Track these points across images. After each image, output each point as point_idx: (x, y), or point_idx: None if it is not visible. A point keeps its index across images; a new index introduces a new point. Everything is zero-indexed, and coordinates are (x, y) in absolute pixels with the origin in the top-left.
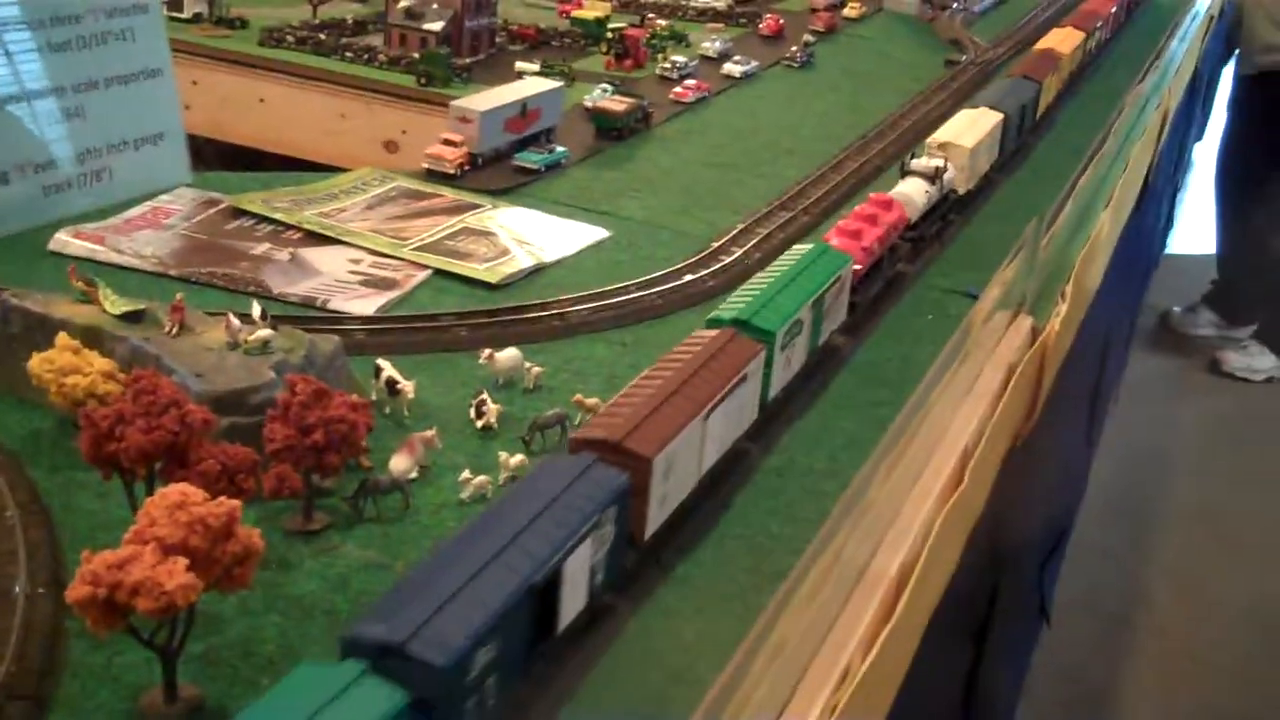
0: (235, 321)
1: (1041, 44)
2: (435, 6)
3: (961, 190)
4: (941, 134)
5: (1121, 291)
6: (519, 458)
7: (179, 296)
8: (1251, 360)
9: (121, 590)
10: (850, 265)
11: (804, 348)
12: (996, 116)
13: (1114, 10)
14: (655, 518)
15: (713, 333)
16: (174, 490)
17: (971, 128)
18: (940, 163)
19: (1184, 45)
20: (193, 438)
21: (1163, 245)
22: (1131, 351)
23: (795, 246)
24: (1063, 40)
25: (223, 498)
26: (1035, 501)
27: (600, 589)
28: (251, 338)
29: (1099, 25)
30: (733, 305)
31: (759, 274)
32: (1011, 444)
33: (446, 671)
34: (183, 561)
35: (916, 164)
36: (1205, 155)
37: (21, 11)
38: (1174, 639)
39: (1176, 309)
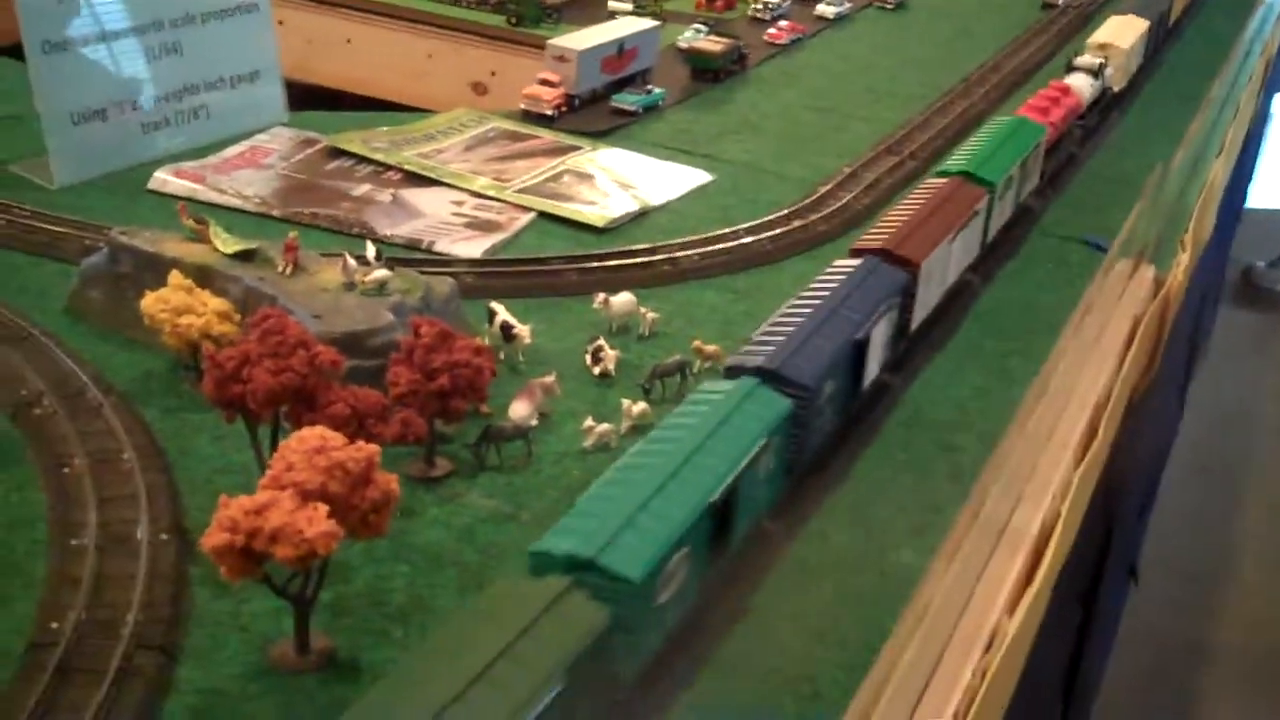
0: (352, 262)
1: None
2: None
3: (1116, 88)
4: (1100, 35)
5: (1219, 243)
6: (641, 405)
7: (293, 235)
8: None
9: (260, 537)
10: (1045, 135)
11: (1010, 201)
12: (1143, 23)
13: None
14: (918, 315)
15: (943, 180)
16: (313, 434)
17: (1125, 31)
18: (1102, 60)
19: None
20: (321, 380)
21: (1244, 198)
22: (1220, 306)
23: (995, 118)
24: None
25: (360, 442)
26: (1143, 454)
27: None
28: (368, 279)
29: None
30: (958, 159)
31: (971, 138)
32: (1131, 396)
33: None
34: (323, 508)
35: (1080, 61)
36: None
37: None
38: (1257, 599)
39: (1260, 263)
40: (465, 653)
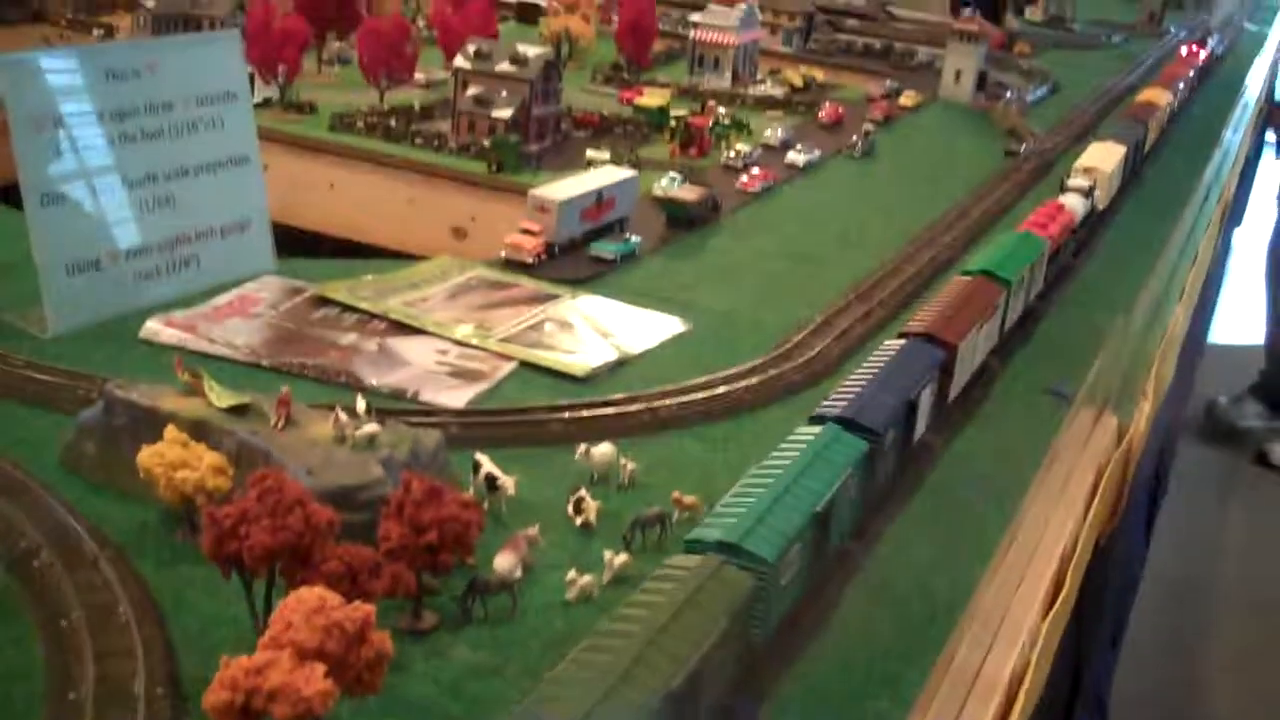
0: (343, 416)
1: (1140, 98)
2: (505, 94)
3: (1101, 206)
4: (1084, 160)
5: (1181, 383)
6: (623, 557)
7: (285, 390)
8: None
9: (259, 696)
10: (1047, 246)
11: (1021, 300)
12: (1121, 148)
13: (1190, 74)
14: (956, 385)
15: (968, 279)
16: (312, 594)
17: (1107, 156)
18: (1091, 182)
19: (1237, 136)
20: (317, 538)
21: (1205, 334)
22: (1180, 442)
23: (1001, 235)
24: (1155, 96)
25: (357, 602)
26: (1109, 595)
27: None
28: (359, 433)
29: (1179, 85)
30: (978, 261)
31: (985, 247)
32: (1098, 541)
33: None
34: (320, 667)
35: (1072, 182)
36: (1244, 241)
37: (118, 101)
38: None
39: (1223, 399)
40: (645, 609)
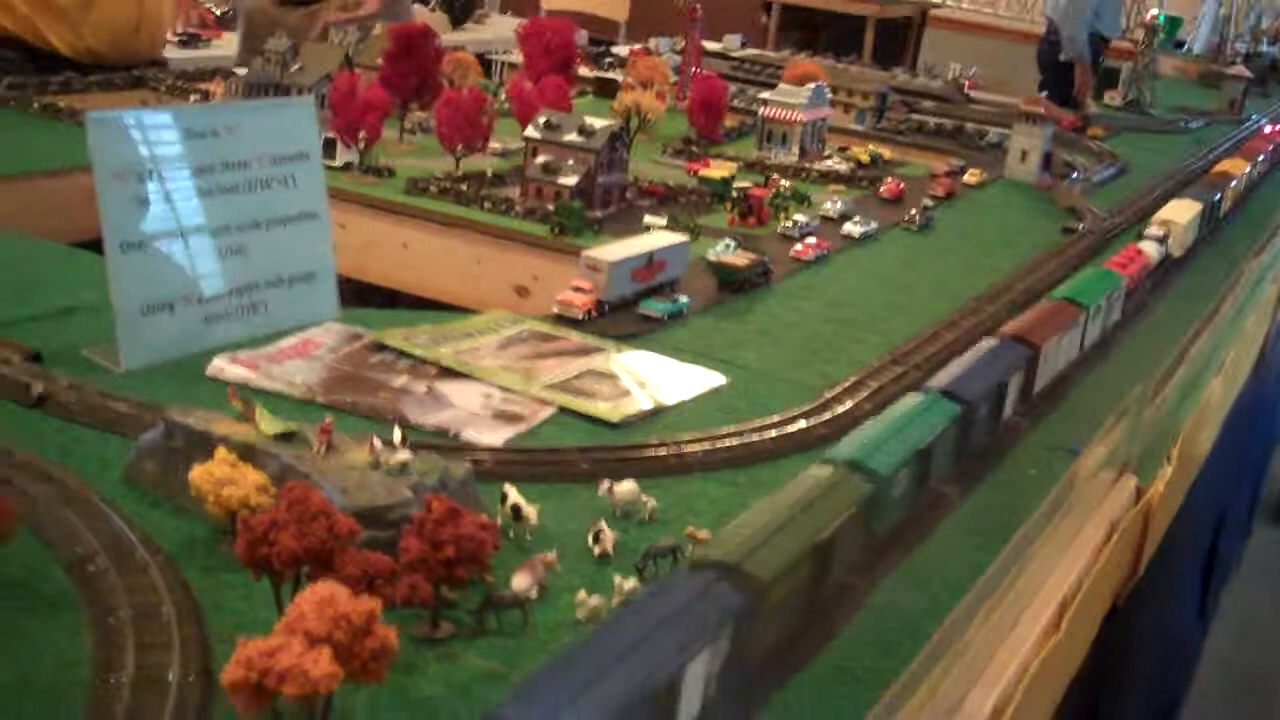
0: (378, 444)
1: (1217, 168)
2: (571, 163)
3: (1176, 254)
4: (1162, 214)
5: (1238, 460)
6: (632, 582)
7: (328, 420)
8: None
9: (271, 675)
10: (1124, 284)
11: (1096, 328)
12: (1198, 205)
13: (1270, 149)
14: (1040, 381)
15: (1052, 304)
16: (323, 587)
17: (1183, 211)
18: (1165, 231)
19: None
20: (339, 545)
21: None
22: (1256, 523)
23: (1085, 270)
24: (1233, 166)
25: (364, 597)
26: (1140, 670)
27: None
28: (392, 460)
29: (1260, 158)
30: (1065, 287)
31: (1068, 281)
32: (1113, 603)
33: None
34: (327, 652)
35: (1149, 231)
36: None
37: (199, 158)
38: None
39: None
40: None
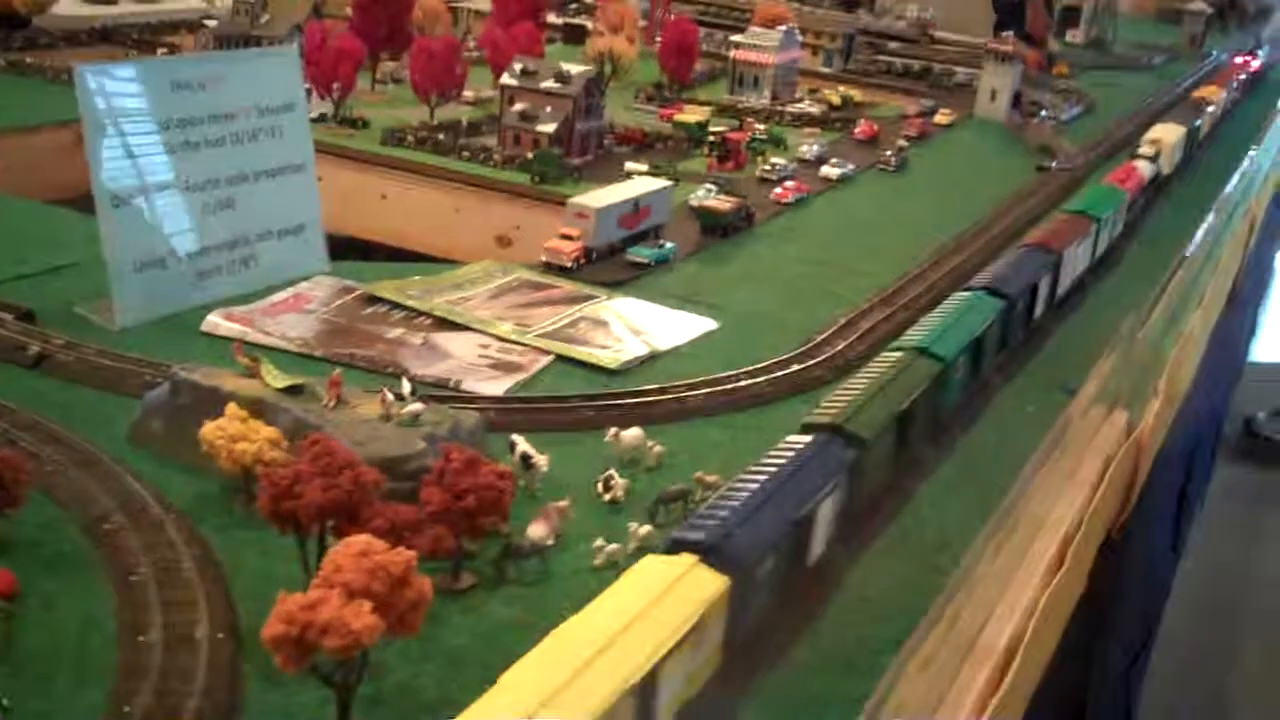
0: (389, 396)
1: (1196, 94)
2: (548, 109)
3: (1165, 171)
4: (1152, 134)
5: (1210, 395)
6: (647, 528)
7: (337, 372)
8: None
9: (312, 629)
10: (1127, 197)
11: (1107, 237)
12: (1182, 128)
13: (1243, 77)
14: (1061, 285)
15: (1066, 214)
16: (359, 540)
17: (1169, 133)
18: (1156, 150)
19: (1269, 156)
20: (365, 497)
21: (1247, 352)
22: (1218, 460)
23: (1091, 184)
24: (1210, 92)
25: (400, 548)
26: (1126, 596)
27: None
28: (403, 411)
29: (1233, 84)
30: (1074, 203)
31: (1079, 194)
32: (1107, 535)
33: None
34: (367, 604)
35: (1142, 150)
36: None
37: (184, 110)
38: None
39: (1261, 414)
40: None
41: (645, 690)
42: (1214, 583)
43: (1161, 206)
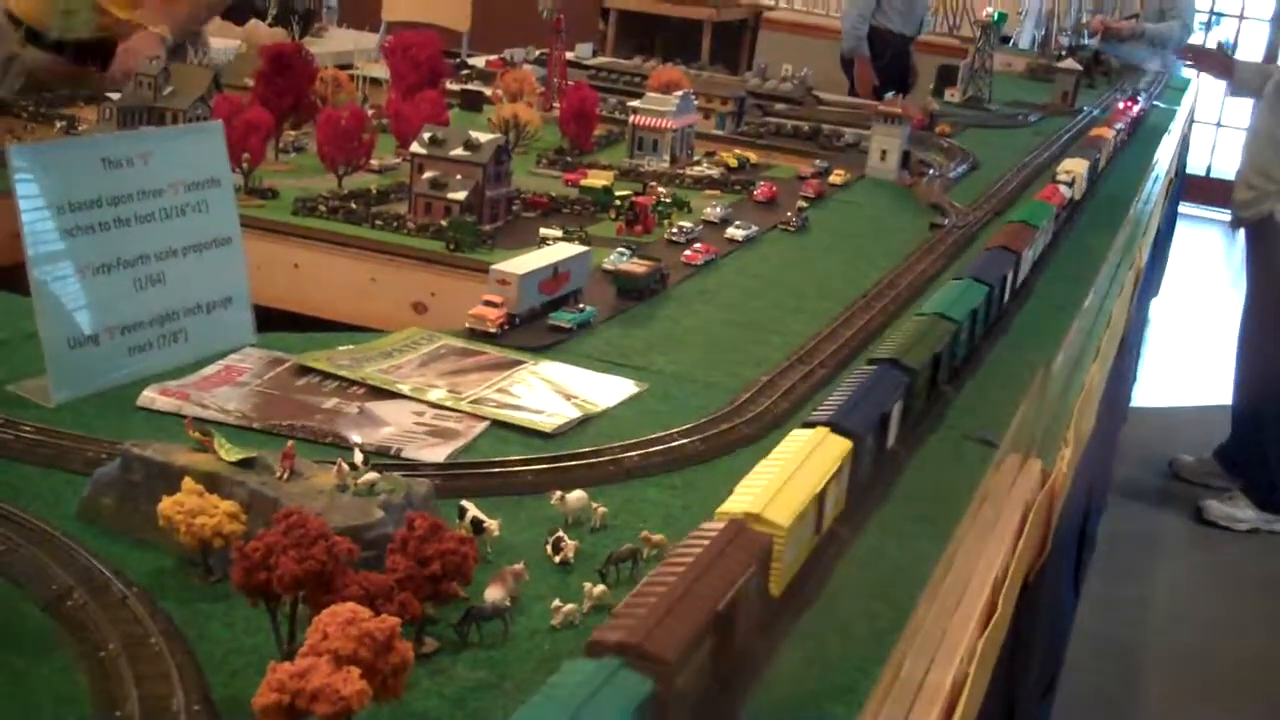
0: (345, 467)
1: (1091, 133)
2: (459, 177)
3: (1077, 197)
4: (1065, 165)
5: (1105, 440)
6: (600, 588)
7: (290, 444)
8: (1235, 511)
9: (303, 697)
10: (1055, 209)
11: (1040, 245)
12: (1085, 162)
13: (1129, 119)
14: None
15: (1011, 224)
16: (344, 608)
17: (1078, 164)
18: (1072, 177)
19: (1148, 208)
20: (339, 567)
21: (1129, 397)
22: (1111, 500)
23: (1028, 198)
24: (1103, 131)
25: (384, 615)
26: (1039, 642)
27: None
28: (360, 481)
29: (1119, 126)
30: (1018, 212)
31: (1017, 206)
32: (1026, 578)
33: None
34: (356, 670)
35: (1061, 177)
36: (1162, 311)
37: (114, 188)
38: None
39: (1188, 457)
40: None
41: (822, 499)
42: (1114, 623)
43: (1077, 222)
